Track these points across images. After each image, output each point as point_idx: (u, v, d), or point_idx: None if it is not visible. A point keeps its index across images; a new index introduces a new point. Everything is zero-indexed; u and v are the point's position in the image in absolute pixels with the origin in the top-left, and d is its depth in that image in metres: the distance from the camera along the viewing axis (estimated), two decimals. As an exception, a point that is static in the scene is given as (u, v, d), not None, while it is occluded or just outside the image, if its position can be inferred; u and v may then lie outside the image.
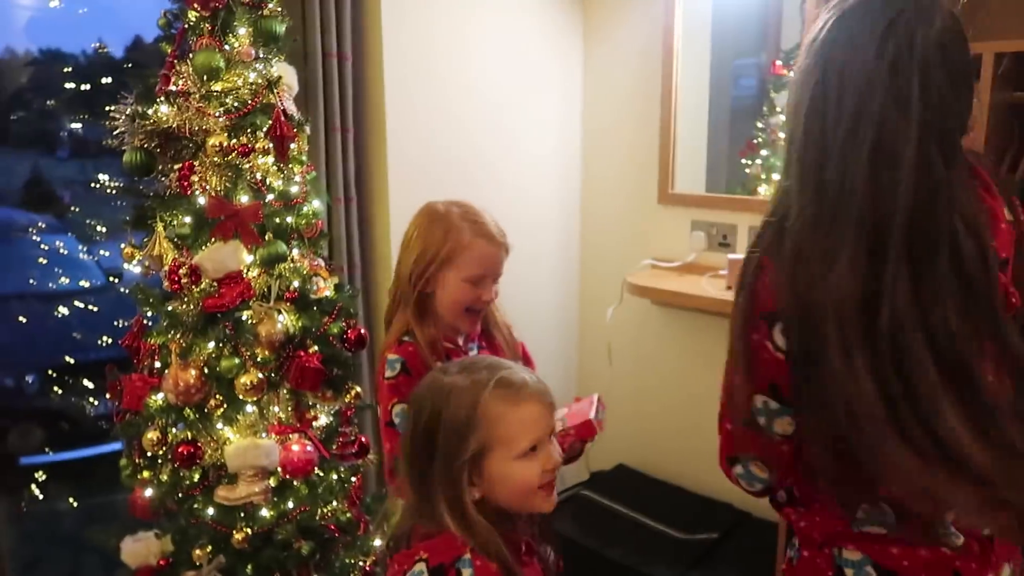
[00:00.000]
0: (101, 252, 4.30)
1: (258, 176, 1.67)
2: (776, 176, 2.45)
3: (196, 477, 1.70)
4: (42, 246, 4.32)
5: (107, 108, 1.62)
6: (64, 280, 4.14)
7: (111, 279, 4.12)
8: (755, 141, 2.55)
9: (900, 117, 0.88)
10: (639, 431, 2.78)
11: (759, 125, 2.55)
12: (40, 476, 3.36)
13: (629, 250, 2.70)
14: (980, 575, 1.07)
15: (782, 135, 2.44)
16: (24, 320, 3.89)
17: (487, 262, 1.49)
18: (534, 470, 1.12)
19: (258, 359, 1.65)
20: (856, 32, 0.91)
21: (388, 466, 1.45)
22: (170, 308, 1.64)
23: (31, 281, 4.08)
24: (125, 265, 1.70)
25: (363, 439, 1.84)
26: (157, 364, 1.70)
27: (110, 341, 3.68)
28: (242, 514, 1.68)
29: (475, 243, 1.48)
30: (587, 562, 2.23)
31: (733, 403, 1.05)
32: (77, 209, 4.62)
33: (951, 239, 0.88)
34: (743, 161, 2.58)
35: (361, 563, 1.85)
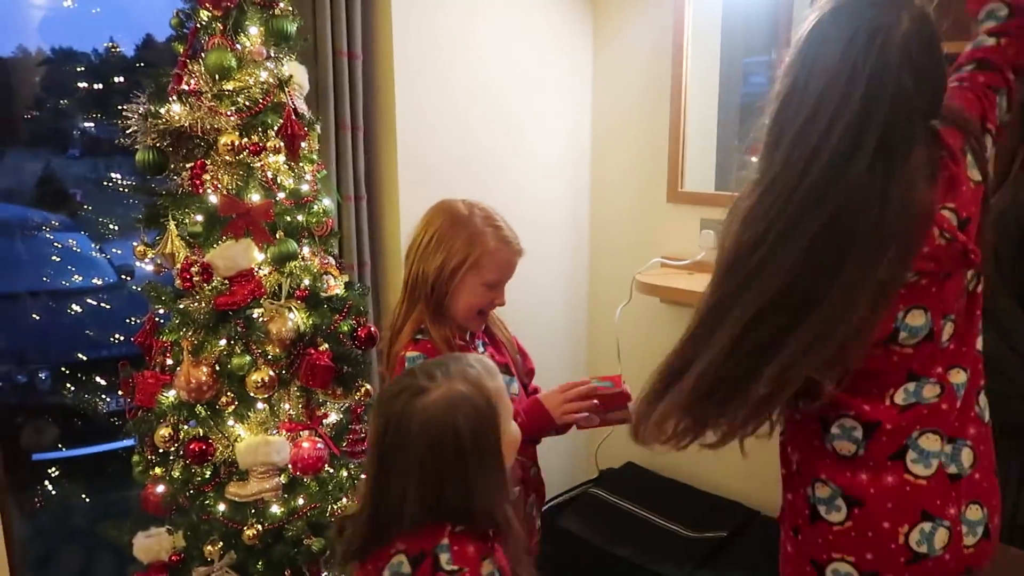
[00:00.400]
0: (113, 250, 4.33)
1: (269, 175, 1.69)
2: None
3: (208, 474, 1.71)
4: (55, 244, 4.35)
5: (119, 107, 1.63)
6: (77, 278, 4.17)
7: (123, 277, 4.16)
8: (765, 139, 2.54)
9: (846, 117, 0.99)
10: (648, 429, 2.78)
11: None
12: (53, 472, 3.39)
13: (638, 249, 2.70)
14: (942, 510, 1.13)
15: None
16: (37, 317, 3.93)
17: (507, 268, 1.54)
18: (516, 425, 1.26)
19: (269, 357, 1.67)
20: (829, 34, 1.02)
21: None
22: (182, 306, 1.65)
23: (44, 279, 4.11)
24: (137, 263, 1.72)
25: None
26: (169, 361, 1.71)
27: (122, 338, 3.71)
28: (253, 511, 1.70)
29: (499, 250, 1.53)
30: (596, 560, 2.24)
31: None
32: (89, 207, 4.65)
33: (873, 236, 1.00)
34: (752, 159, 2.56)
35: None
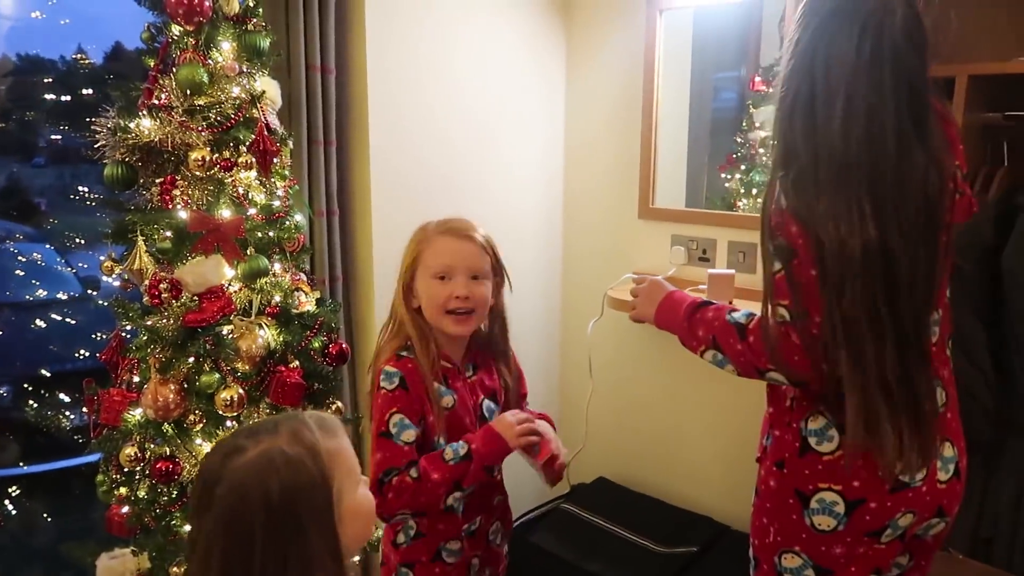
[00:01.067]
0: (80, 264, 4.25)
1: (240, 190, 1.67)
2: (755, 190, 2.48)
3: (175, 493, 1.68)
4: (19, 256, 4.27)
5: (88, 119, 1.62)
6: (41, 292, 4.09)
7: (89, 290, 4.09)
8: (734, 156, 2.58)
9: (879, 97, 1.12)
10: (620, 444, 2.80)
11: (738, 140, 2.58)
12: (13, 490, 3.31)
13: (610, 264, 2.71)
14: None
15: (761, 150, 2.47)
16: (-1, 331, 3.84)
17: (450, 256, 1.49)
18: (369, 493, 1.09)
19: (238, 374, 1.65)
20: (836, 36, 1.15)
21: (375, 477, 1.44)
22: (150, 322, 1.63)
23: (7, 291, 4.03)
24: (104, 279, 1.69)
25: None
26: (136, 379, 1.69)
27: (87, 353, 3.64)
28: (221, 530, 1.67)
29: (436, 238, 1.50)
30: (567, 575, 2.23)
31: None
32: (54, 220, 4.57)
33: (923, 175, 1.14)
34: (723, 176, 2.60)
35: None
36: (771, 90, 2.44)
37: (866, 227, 1.09)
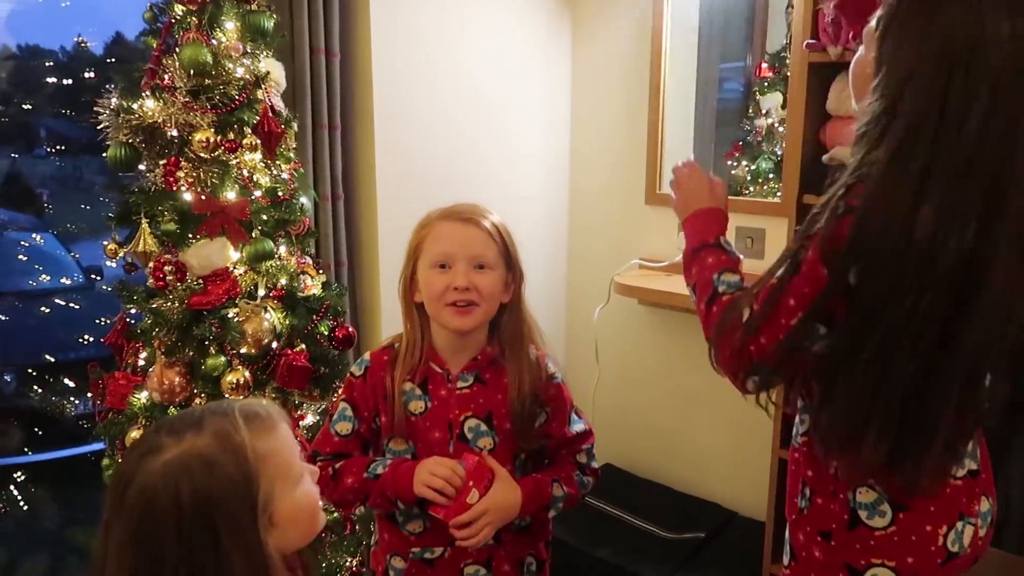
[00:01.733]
0: (82, 251, 4.25)
1: (245, 172, 1.66)
2: (762, 178, 2.46)
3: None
4: (21, 243, 4.26)
5: (90, 101, 1.60)
6: (44, 278, 4.09)
7: (92, 277, 4.08)
8: (741, 143, 2.56)
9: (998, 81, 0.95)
10: (626, 431, 2.79)
11: (745, 127, 2.56)
12: (19, 477, 3.31)
13: (617, 250, 2.70)
14: (970, 508, 1.15)
15: (768, 137, 2.45)
16: (3, 318, 3.84)
17: (450, 242, 1.32)
18: (313, 488, 0.97)
19: (244, 357, 1.64)
20: (980, 13, 0.95)
21: (307, 455, 1.37)
22: (155, 306, 1.62)
23: (10, 279, 4.02)
24: (108, 262, 1.68)
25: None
26: (141, 362, 1.68)
27: (91, 339, 3.64)
28: (227, 514, 1.66)
29: (436, 224, 1.35)
30: (574, 561, 2.23)
31: (778, 322, 1.07)
32: (50, 208, 4.56)
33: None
34: (729, 163, 2.58)
35: (348, 562, 1.84)
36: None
37: (966, 236, 0.95)
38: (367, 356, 1.41)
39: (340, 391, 1.43)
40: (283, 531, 0.90)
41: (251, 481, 0.87)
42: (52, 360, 3.63)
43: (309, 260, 1.83)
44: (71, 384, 3.50)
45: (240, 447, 0.87)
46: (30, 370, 3.58)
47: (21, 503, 3.25)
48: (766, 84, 2.48)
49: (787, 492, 1.27)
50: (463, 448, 1.34)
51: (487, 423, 1.36)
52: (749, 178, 2.51)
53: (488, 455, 1.33)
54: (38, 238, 4.32)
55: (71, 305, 3.95)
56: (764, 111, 2.49)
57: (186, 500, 0.83)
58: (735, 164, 2.56)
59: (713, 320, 1.15)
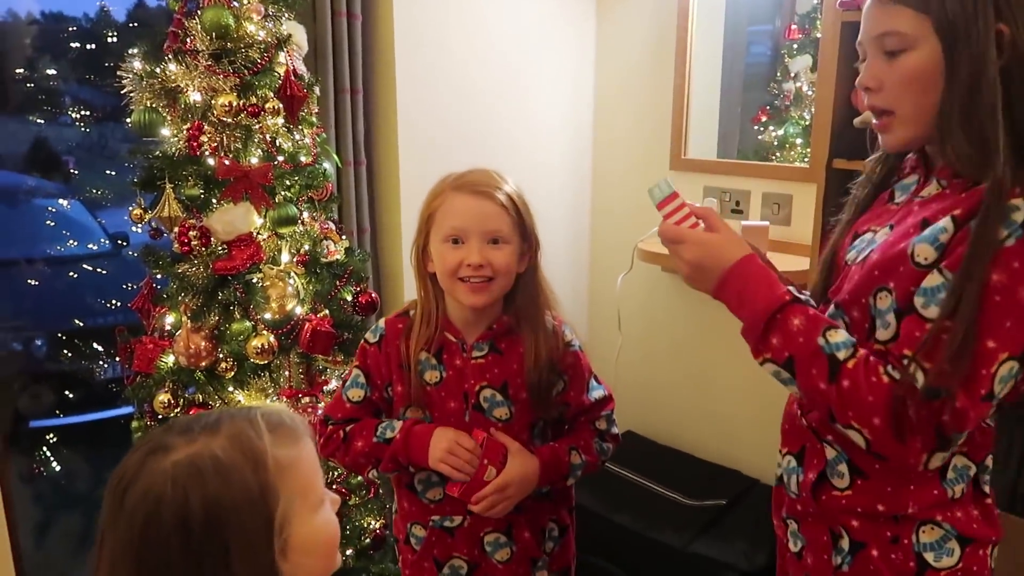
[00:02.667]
0: (108, 217, 4.29)
1: (268, 137, 1.65)
2: (788, 143, 2.42)
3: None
4: (49, 210, 4.31)
5: (113, 68, 1.60)
6: (72, 243, 4.14)
7: (119, 243, 4.12)
8: (768, 108, 2.51)
9: None
10: (648, 398, 2.79)
11: (773, 91, 2.51)
12: (51, 439, 3.39)
13: (641, 216, 2.67)
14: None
15: (797, 101, 2.40)
16: (35, 283, 3.90)
17: (463, 216, 1.27)
18: (335, 518, 0.86)
19: (269, 322, 1.65)
20: None
21: (319, 418, 1.42)
22: (180, 271, 1.63)
23: (38, 245, 4.08)
24: (134, 227, 1.69)
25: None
26: (168, 327, 1.69)
27: (119, 304, 3.69)
28: (254, 476, 1.69)
29: (449, 196, 1.29)
30: (596, 527, 2.24)
31: (978, 375, 0.88)
32: (77, 174, 4.59)
33: None
34: (755, 128, 2.54)
35: (372, 525, 1.86)
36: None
37: None
38: (382, 323, 1.39)
39: (354, 357, 1.42)
40: (297, 562, 0.78)
41: (269, 494, 0.76)
42: (81, 325, 3.69)
43: (332, 226, 1.83)
44: (100, 348, 3.56)
45: (260, 455, 0.77)
46: (60, 335, 3.64)
47: (54, 464, 3.33)
48: (795, 46, 2.42)
49: (806, 547, 1.09)
50: (479, 418, 1.34)
51: (502, 393, 1.34)
52: (776, 143, 2.47)
53: (496, 431, 1.32)
54: (65, 204, 4.36)
55: (99, 271, 4.00)
56: (792, 74, 2.44)
57: (195, 509, 0.72)
58: (762, 129, 2.52)
59: (853, 398, 0.91)
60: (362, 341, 1.40)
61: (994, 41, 0.90)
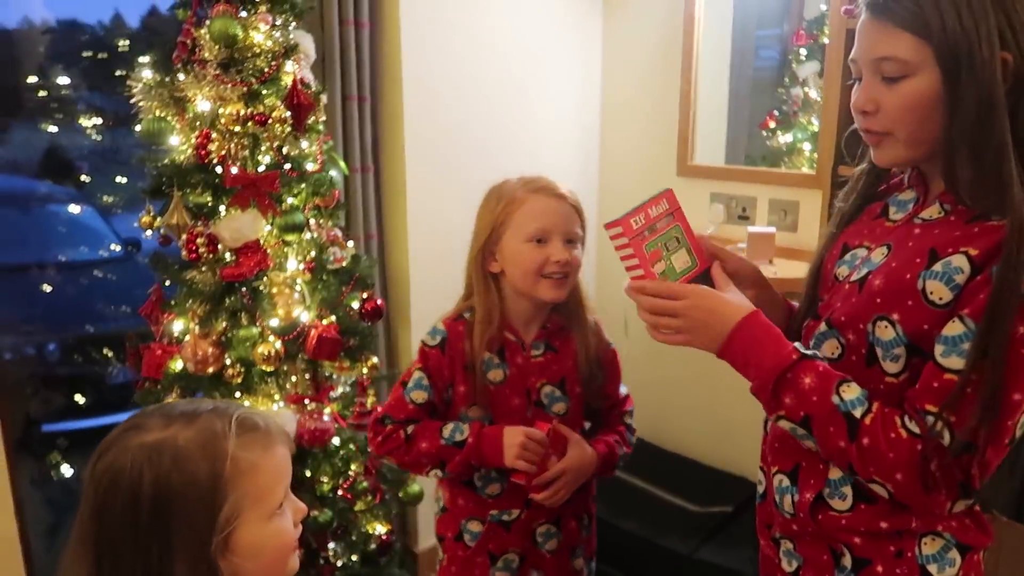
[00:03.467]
0: (119, 223, 4.32)
1: (275, 145, 1.67)
2: (802, 147, 2.42)
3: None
4: (62, 215, 4.35)
5: (124, 76, 1.61)
6: (84, 249, 4.17)
7: (130, 249, 4.16)
8: (775, 113, 2.51)
9: None
10: (655, 404, 2.78)
11: (781, 96, 2.51)
12: (63, 443, 3.41)
13: (647, 222, 2.67)
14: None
15: (804, 107, 2.40)
16: (49, 288, 3.93)
17: (546, 217, 1.35)
18: (291, 528, 0.88)
19: (276, 329, 1.66)
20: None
21: (376, 417, 1.43)
22: (188, 277, 1.64)
23: (51, 251, 4.12)
24: (143, 234, 1.71)
25: (380, 409, 1.85)
26: (176, 333, 1.71)
27: (130, 310, 3.72)
28: (260, 482, 1.70)
29: (528, 198, 1.36)
30: (601, 533, 2.24)
31: (1004, 426, 0.87)
32: (89, 178, 4.62)
33: None
34: (763, 133, 2.54)
35: (379, 531, 1.87)
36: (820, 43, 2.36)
37: None
38: (441, 326, 1.42)
39: (415, 361, 1.43)
40: (241, 562, 0.81)
41: (218, 491, 0.80)
42: (92, 330, 3.72)
43: (339, 232, 1.84)
44: (110, 354, 3.59)
45: (220, 452, 0.81)
46: (72, 340, 3.67)
47: (64, 468, 3.36)
48: (803, 52, 2.42)
49: (804, 566, 1.08)
50: (540, 413, 1.42)
51: (560, 389, 1.43)
52: (785, 149, 2.47)
53: (557, 423, 1.39)
54: (78, 210, 4.40)
55: (110, 276, 4.03)
56: (801, 80, 2.44)
57: (147, 489, 0.78)
58: (770, 134, 2.51)
59: (873, 455, 0.91)
60: (421, 344, 1.43)
61: (999, 70, 0.87)
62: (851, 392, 0.93)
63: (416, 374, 1.41)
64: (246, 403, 1.67)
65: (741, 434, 2.57)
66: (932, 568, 0.99)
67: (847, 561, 1.03)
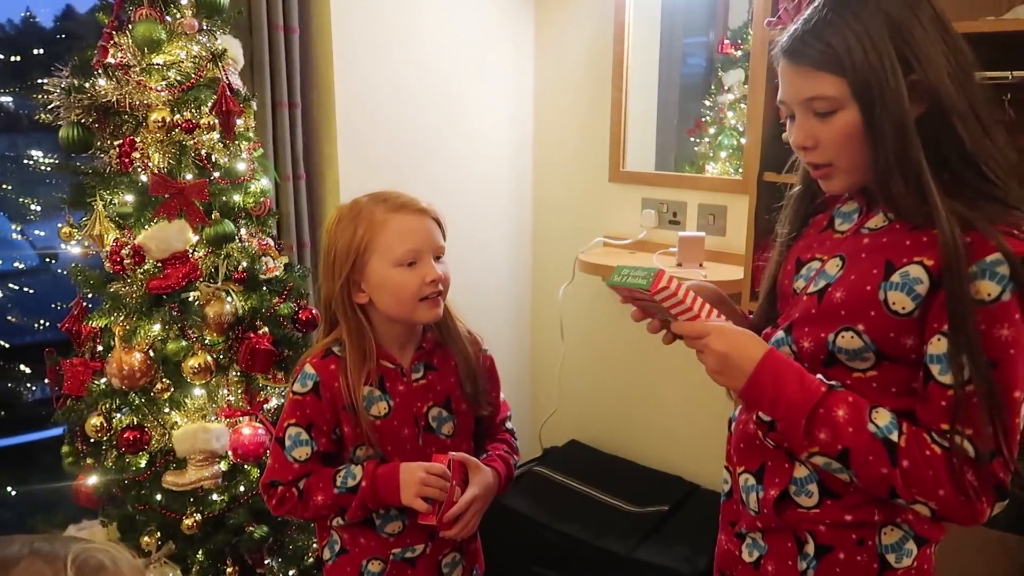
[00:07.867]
0: (36, 232, 4.13)
1: (203, 153, 1.63)
2: (724, 153, 2.48)
3: (143, 463, 1.66)
4: (-30, 226, 4.13)
5: (39, 81, 1.55)
6: (-5, 260, 3.97)
7: (46, 260, 3.98)
8: (703, 119, 2.58)
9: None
10: (591, 407, 2.82)
11: (707, 104, 2.57)
12: (-25, 464, 3.24)
13: (581, 228, 2.71)
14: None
15: (730, 113, 2.47)
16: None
17: (414, 237, 1.27)
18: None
19: (206, 341, 1.62)
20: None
21: (264, 481, 1.33)
22: (112, 290, 1.59)
23: (-40, 263, 3.90)
24: (62, 245, 1.64)
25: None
26: (99, 348, 1.65)
27: (47, 324, 3.56)
28: (192, 499, 1.65)
29: (389, 218, 1.27)
30: (541, 537, 2.26)
31: (1013, 425, 0.92)
32: (7, 187, 4.41)
33: None
34: (691, 139, 2.60)
35: (315, 545, 1.84)
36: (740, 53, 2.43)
37: None
38: (310, 369, 1.31)
39: (284, 413, 1.32)
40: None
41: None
42: (6, 345, 3.55)
43: (271, 241, 1.80)
44: (27, 370, 3.42)
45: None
46: (-16, 356, 3.49)
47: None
48: (729, 60, 2.49)
49: (767, 555, 1.11)
50: (431, 439, 1.35)
51: (447, 408, 1.37)
52: (711, 154, 2.54)
53: (454, 453, 1.32)
54: (-13, 218, 4.18)
55: (25, 289, 3.85)
56: (727, 87, 2.50)
57: None
58: (697, 140, 2.58)
59: (915, 476, 0.93)
60: (289, 395, 1.32)
61: (906, 95, 0.93)
62: (883, 417, 0.96)
63: (291, 430, 1.30)
64: (176, 420, 1.62)
65: (676, 434, 2.63)
66: (891, 558, 1.04)
67: (810, 548, 1.07)
